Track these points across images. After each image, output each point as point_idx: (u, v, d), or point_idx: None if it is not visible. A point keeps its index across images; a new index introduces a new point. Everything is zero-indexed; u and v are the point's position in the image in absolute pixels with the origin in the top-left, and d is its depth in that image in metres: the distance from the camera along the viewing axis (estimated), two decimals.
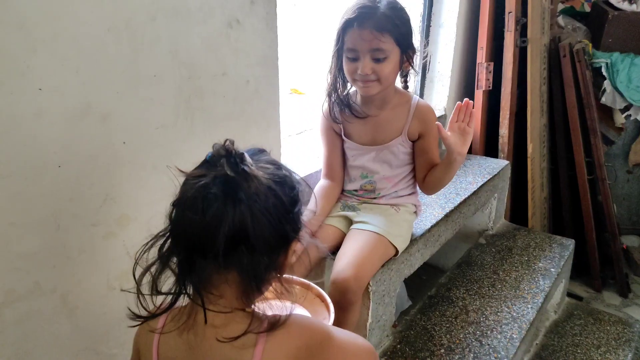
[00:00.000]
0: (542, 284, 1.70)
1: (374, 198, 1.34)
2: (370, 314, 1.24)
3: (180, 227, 0.60)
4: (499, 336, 1.43)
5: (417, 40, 1.22)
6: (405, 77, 1.28)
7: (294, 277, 0.99)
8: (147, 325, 0.67)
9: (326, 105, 1.29)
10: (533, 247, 1.95)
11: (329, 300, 0.92)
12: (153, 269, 0.63)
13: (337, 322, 1.18)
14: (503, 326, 1.48)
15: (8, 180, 0.78)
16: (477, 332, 1.45)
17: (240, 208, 0.57)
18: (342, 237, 1.27)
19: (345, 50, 1.16)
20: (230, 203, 0.57)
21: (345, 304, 1.12)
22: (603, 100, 2.55)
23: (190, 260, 0.61)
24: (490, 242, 2.00)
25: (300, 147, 1.63)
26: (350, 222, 1.31)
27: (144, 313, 0.65)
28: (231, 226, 0.57)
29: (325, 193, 1.31)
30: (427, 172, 1.29)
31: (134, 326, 0.67)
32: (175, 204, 0.61)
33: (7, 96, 0.75)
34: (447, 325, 1.50)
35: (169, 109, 0.98)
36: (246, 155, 0.60)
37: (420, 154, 1.29)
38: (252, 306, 0.65)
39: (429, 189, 1.32)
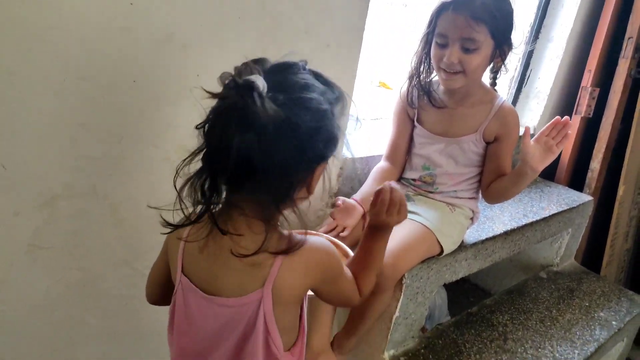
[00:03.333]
0: (598, 334, 1.55)
1: (431, 192, 1.29)
2: (398, 307, 1.20)
3: (204, 148, 0.63)
4: None
5: (517, 36, 1.14)
6: (495, 73, 1.21)
7: (338, 242, 0.99)
8: (177, 233, 0.71)
9: (405, 87, 1.26)
10: (598, 294, 1.78)
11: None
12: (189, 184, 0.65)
13: (364, 306, 1.16)
14: None
15: (86, 83, 0.84)
16: None
17: (246, 136, 0.57)
18: None
19: (436, 34, 1.11)
20: (237, 131, 0.57)
21: (376, 288, 1.09)
22: None
23: (214, 178, 0.63)
24: (552, 278, 1.85)
25: (370, 131, 1.61)
26: None
27: (176, 222, 0.69)
28: (237, 154, 0.58)
29: (382, 175, 1.28)
30: (493, 180, 1.22)
31: (165, 233, 0.71)
32: (200, 125, 0.62)
33: (101, 4, 0.80)
34: (480, 345, 1.42)
35: (246, 52, 1.00)
36: (258, 83, 0.57)
37: (492, 158, 1.22)
38: (275, 226, 0.67)
39: (491, 198, 1.24)
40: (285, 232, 0.68)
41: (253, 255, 0.63)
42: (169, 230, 0.70)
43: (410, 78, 1.23)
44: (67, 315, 1.01)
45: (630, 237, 2.24)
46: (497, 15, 1.07)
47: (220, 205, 0.67)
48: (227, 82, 0.60)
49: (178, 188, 0.64)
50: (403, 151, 1.30)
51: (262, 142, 0.57)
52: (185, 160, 0.65)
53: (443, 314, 1.75)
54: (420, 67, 1.20)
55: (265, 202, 0.63)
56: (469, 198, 1.29)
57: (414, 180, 1.31)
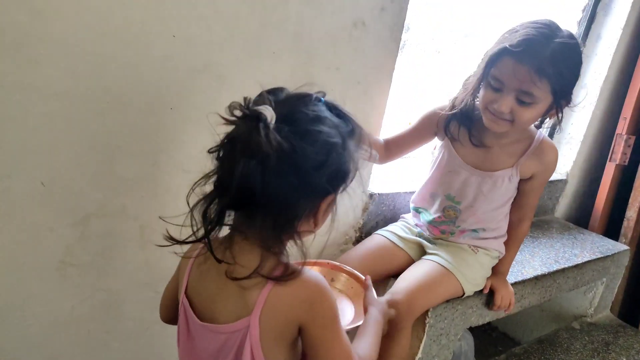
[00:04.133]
0: None
1: (451, 234, 1.23)
2: (421, 348, 1.16)
3: (214, 171, 0.65)
4: None
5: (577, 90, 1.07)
6: (543, 119, 1.13)
7: (343, 266, 0.98)
8: (189, 253, 0.73)
9: (443, 113, 1.16)
10: (637, 350, 1.67)
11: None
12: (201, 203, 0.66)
13: (383, 350, 1.10)
14: None
15: (126, 107, 0.88)
16: None
17: (249, 164, 0.58)
18: (410, 264, 1.21)
19: (491, 76, 1.01)
20: (241, 158, 0.59)
21: (391, 328, 1.04)
22: None
23: (219, 202, 0.64)
24: (585, 330, 1.76)
25: (397, 168, 1.61)
26: (422, 252, 1.25)
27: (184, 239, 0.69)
28: (239, 180, 0.59)
29: (375, 145, 1.21)
30: (514, 216, 1.23)
31: (163, 246, 0.70)
32: (212, 150, 0.65)
33: (145, 34, 0.86)
34: None
35: (279, 85, 1.04)
36: (265, 114, 0.58)
37: (520, 193, 1.19)
38: (273, 253, 0.66)
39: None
40: (284, 260, 0.67)
41: (245, 279, 0.63)
42: (169, 244, 0.70)
43: (451, 108, 1.14)
44: (89, 336, 1.02)
45: None
46: (564, 71, 0.97)
47: (228, 229, 0.68)
48: (235, 111, 0.61)
49: (191, 205, 0.66)
50: (403, 148, 1.24)
51: (264, 171, 0.58)
52: (198, 181, 0.67)
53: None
54: (462, 101, 1.11)
55: (266, 230, 0.63)
56: (494, 238, 1.23)
57: (433, 220, 1.23)
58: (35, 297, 0.92)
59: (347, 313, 0.91)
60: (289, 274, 0.64)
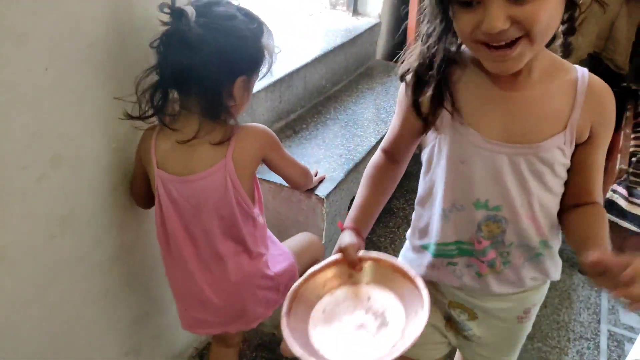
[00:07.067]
0: None
1: (504, 263, 0.74)
2: (324, 235, 1.26)
3: (157, 64, 0.82)
4: None
5: None
6: (568, 32, 0.66)
7: (374, 254, 0.74)
8: (145, 141, 0.88)
9: (410, 79, 0.70)
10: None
11: (418, 280, 0.67)
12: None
13: None
14: None
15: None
16: None
17: (178, 52, 0.77)
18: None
19: None
20: (172, 48, 0.78)
21: None
22: None
23: (162, 86, 0.83)
24: None
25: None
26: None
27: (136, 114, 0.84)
28: (172, 64, 0.78)
29: (383, 175, 0.82)
30: (576, 201, 0.72)
31: (123, 119, 0.84)
32: (153, 44, 0.80)
33: None
34: (391, 236, 1.58)
35: None
36: (187, 11, 0.75)
37: (577, 167, 0.70)
38: (217, 120, 0.84)
39: (569, 237, 0.72)
40: (232, 122, 0.86)
41: (192, 140, 0.82)
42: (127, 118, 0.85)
43: (420, 67, 0.69)
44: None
45: None
46: None
47: (178, 109, 0.86)
48: (165, 9, 0.76)
49: (139, 93, 0.82)
50: (408, 147, 0.80)
51: (192, 56, 0.76)
52: (146, 71, 0.82)
53: None
54: (434, 50, 0.67)
55: (202, 102, 0.82)
56: (554, 257, 0.77)
57: (475, 248, 0.74)
58: None
59: (396, 320, 0.67)
60: (229, 134, 0.84)
